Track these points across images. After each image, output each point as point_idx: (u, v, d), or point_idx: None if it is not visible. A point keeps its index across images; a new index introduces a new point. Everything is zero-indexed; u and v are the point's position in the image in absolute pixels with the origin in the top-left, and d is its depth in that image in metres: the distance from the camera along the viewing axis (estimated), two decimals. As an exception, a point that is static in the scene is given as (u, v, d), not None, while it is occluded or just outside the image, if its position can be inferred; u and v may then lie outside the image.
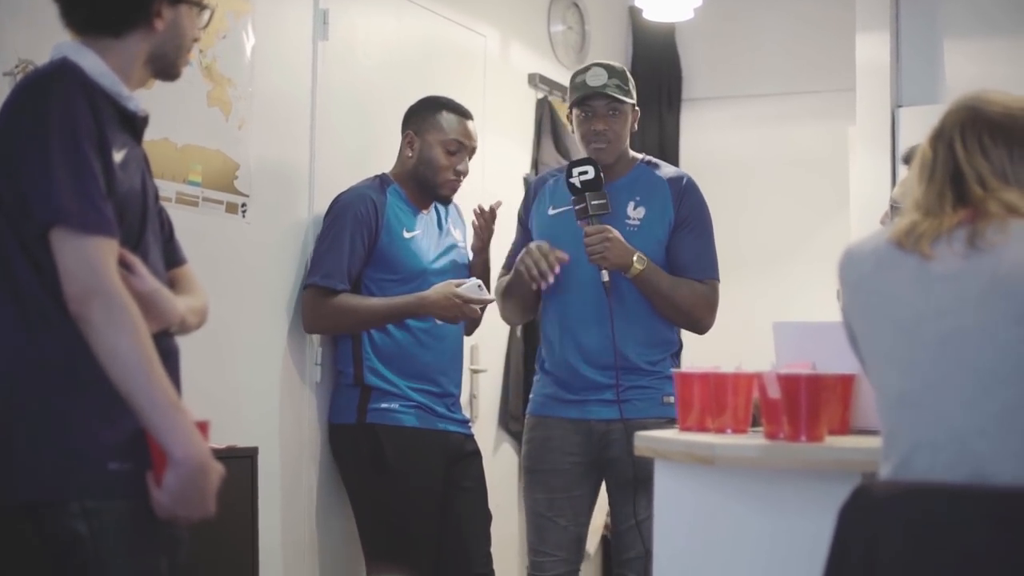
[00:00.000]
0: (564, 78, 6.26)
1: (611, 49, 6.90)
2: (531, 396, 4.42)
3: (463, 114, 4.52)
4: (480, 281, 4.39)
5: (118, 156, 2.56)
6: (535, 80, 6.04)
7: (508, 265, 4.42)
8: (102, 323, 2.43)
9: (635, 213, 4.25)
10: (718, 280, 4.32)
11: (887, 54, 5.90)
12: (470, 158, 4.52)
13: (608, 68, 4.28)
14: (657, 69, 7.07)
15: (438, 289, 4.35)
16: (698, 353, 6.64)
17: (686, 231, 4.28)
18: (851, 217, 5.82)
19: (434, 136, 4.45)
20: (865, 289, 2.50)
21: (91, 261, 2.44)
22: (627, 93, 4.28)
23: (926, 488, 2.27)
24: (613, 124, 4.25)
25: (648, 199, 4.28)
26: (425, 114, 4.49)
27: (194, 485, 2.49)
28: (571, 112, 4.35)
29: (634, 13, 6.94)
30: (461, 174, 4.49)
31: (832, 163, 6.33)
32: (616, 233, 4.10)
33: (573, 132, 4.38)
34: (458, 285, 4.34)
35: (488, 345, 5.18)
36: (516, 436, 5.74)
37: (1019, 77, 5.57)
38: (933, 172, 2.50)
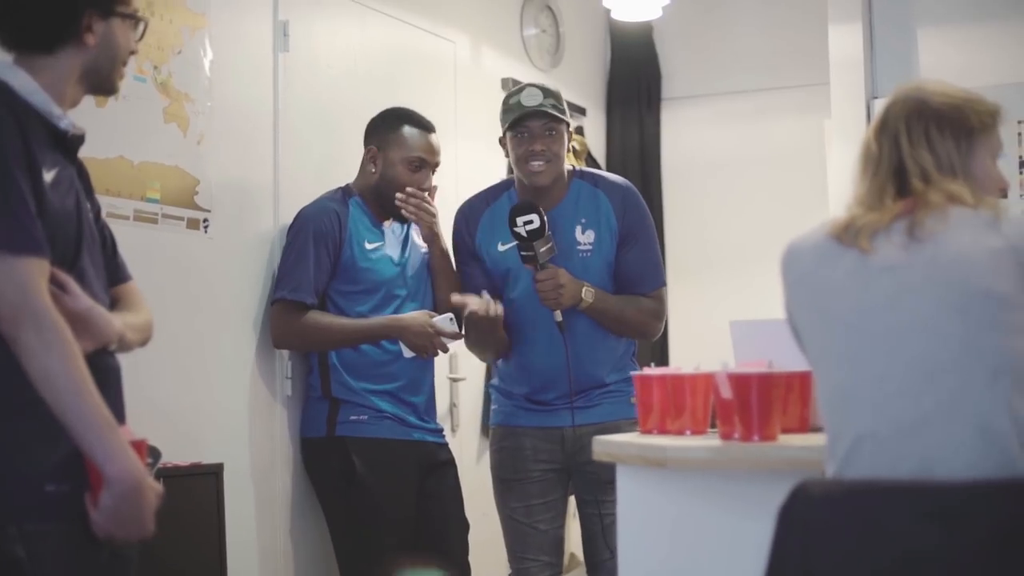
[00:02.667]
0: (539, 81, 6.24)
1: (588, 51, 6.88)
2: (493, 408, 4.41)
3: (426, 127, 4.46)
4: (452, 316, 4.35)
5: (48, 176, 2.53)
6: (508, 85, 6.00)
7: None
8: (33, 344, 2.42)
9: (584, 237, 4.20)
10: (664, 285, 4.31)
11: (860, 46, 5.87)
12: (433, 173, 4.46)
13: (543, 89, 4.22)
14: (636, 70, 7.06)
15: (415, 317, 4.33)
16: (685, 352, 6.68)
17: (631, 245, 4.23)
18: (829, 211, 5.78)
19: (396, 153, 4.40)
20: (807, 284, 2.48)
21: (20, 282, 2.42)
22: (563, 112, 4.21)
23: (861, 485, 2.25)
24: (551, 144, 4.17)
25: (593, 219, 4.22)
26: (387, 129, 4.44)
27: (130, 505, 2.47)
28: (504, 136, 4.26)
29: (609, 14, 6.91)
30: (425, 192, 4.41)
31: (809, 157, 6.31)
32: (566, 276, 4.06)
33: (507, 156, 4.29)
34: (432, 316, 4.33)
35: (467, 353, 5.13)
36: (499, 443, 5.71)
37: (992, 66, 5.55)
38: (878, 167, 2.49)
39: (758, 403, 2.76)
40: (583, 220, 4.21)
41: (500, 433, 4.34)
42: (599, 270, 4.16)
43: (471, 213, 4.35)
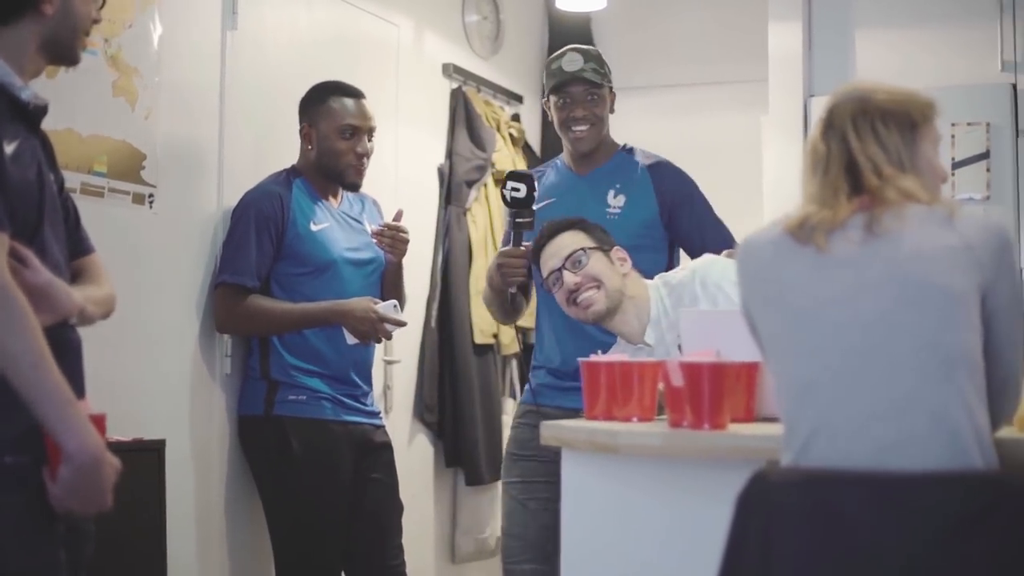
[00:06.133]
0: (479, 68, 6.29)
1: (526, 40, 6.90)
2: (526, 387, 4.39)
3: (354, 95, 4.48)
4: (396, 302, 4.38)
5: (9, 148, 2.51)
6: (449, 70, 6.02)
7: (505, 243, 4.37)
8: None
9: (615, 201, 4.23)
10: (735, 244, 4.12)
11: (799, 44, 5.93)
12: (370, 139, 4.47)
13: (584, 52, 4.27)
14: (573, 60, 7.08)
15: (358, 302, 4.34)
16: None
17: (682, 216, 4.25)
18: (764, 206, 5.84)
19: (328, 124, 4.42)
20: (764, 278, 2.52)
21: None
22: (604, 76, 4.27)
23: (821, 474, 2.29)
24: (593, 108, 4.24)
25: (628, 187, 4.26)
26: (316, 103, 4.46)
27: (88, 478, 2.47)
28: (547, 99, 4.33)
29: (549, 3, 6.94)
30: (363, 156, 4.44)
31: (746, 153, 6.36)
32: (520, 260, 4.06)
33: (551, 120, 4.35)
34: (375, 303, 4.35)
35: (402, 335, 5.15)
36: (431, 426, 5.74)
37: (928, 69, 5.62)
38: (828, 165, 2.52)
39: (709, 392, 2.79)
40: (617, 185, 4.25)
41: (522, 411, 4.33)
42: (629, 233, 4.07)
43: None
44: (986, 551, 2.18)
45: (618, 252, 3.81)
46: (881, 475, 2.25)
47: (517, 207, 4.04)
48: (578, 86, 4.22)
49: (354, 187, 4.50)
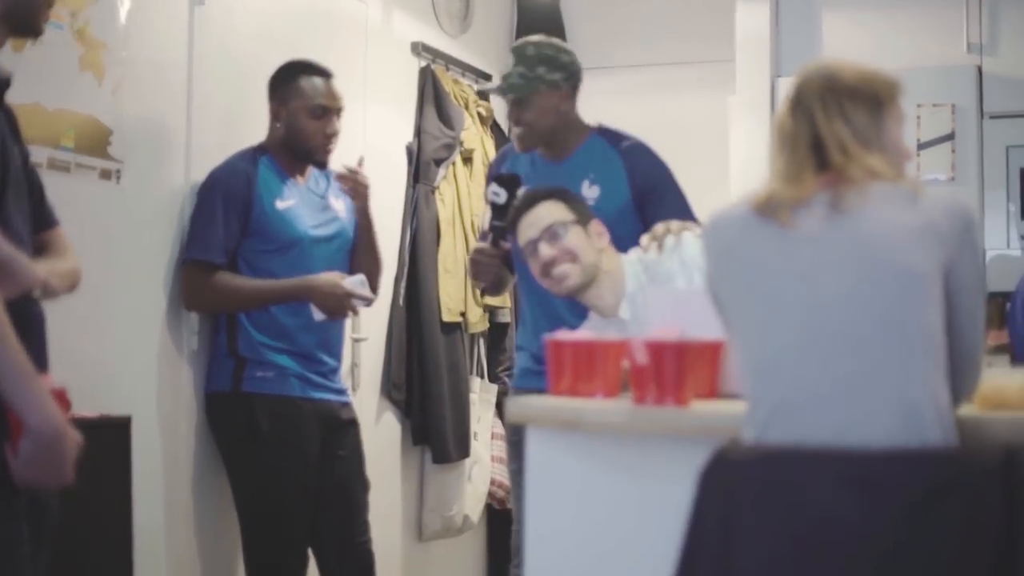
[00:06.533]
0: (447, 47, 6.28)
1: (495, 19, 6.89)
2: (513, 371, 4.41)
3: (323, 74, 4.48)
4: (364, 277, 4.39)
5: None
6: (418, 48, 6.01)
7: (482, 238, 4.38)
8: None
9: (590, 192, 4.17)
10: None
11: (767, 24, 5.96)
12: (338, 118, 4.48)
13: (519, 54, 4.22)
14: (541, 38, 7.07)
15: (326, 278, 4.35)
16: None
17: (652, 203, 4.18)
18: (730, 186, 5.87)
19: (297, 103, 4.42)
20: (729, 255, 2.53)
21: None
22: (535, 79, 4.17)
23: (782, 451, 2.31)
24: (522, 115, 4.18)
25: (601, 175, 4.20)
26: (286, 82, 4.46)
27: (50, 452, 2.46)
28: None
29: (518, -18, 6.94)
30: (331, 136, 4.45)
31: (713, 133, 6.37)
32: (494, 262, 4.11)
33: None
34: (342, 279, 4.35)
35: (369, 313, 5.16)
36: (398, 404, 5.75)
37: (894, 50, 5.66)
38: (795, 142, 2.53)
39: (673, 369, 2.80)
40: (591, 175, 4.20)
41: (512, 394, 4.31)
42: (605, 223, 3.93)
43: (497, 161, 4.45)
44: (945, 528, 2.20)
45: (596, 226, 3.80)
46: (842, 452, 2.27)
47: (495, 211, 4.05)
48: (506, 94, 4.21)
49: (322, 165, 4.50)
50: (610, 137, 4.29)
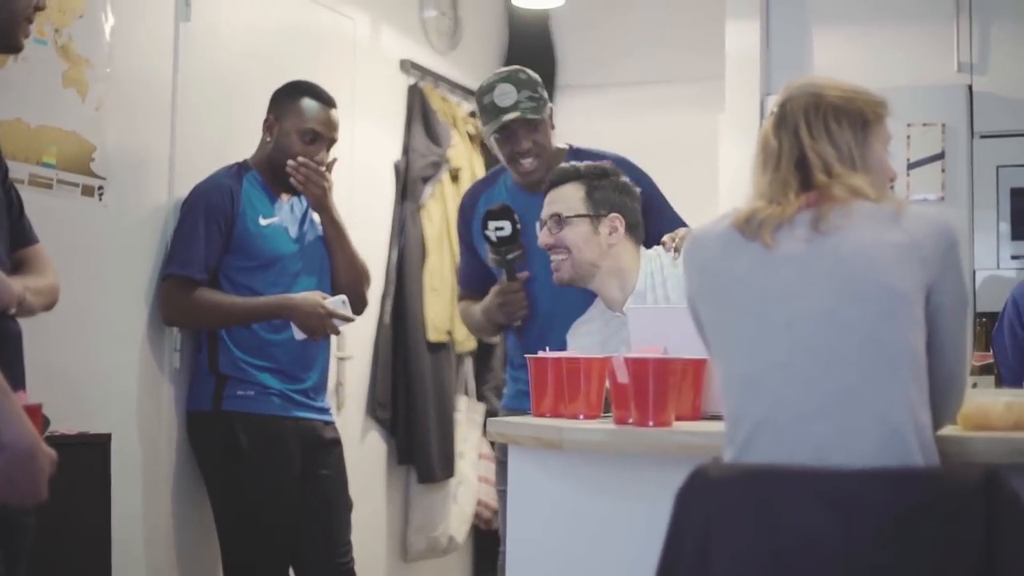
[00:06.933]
0: (436, 64, 6.26)
1: (485, 36, 6.88)
2: (505, 392, 4.36)
3: (326, 102, 4.43)
4: (346, 297, 4.33)
5: None
6: (407, 66, 6.00)
7: (465, 285, 4.35)
8: None
9: None
10: None
11: (757, 42, 5.94)
12: (328, 149, 4.42)
13: (514, 80, 4.08)
14: (532, 56, 7.03)
15: (306, 296, 4.30)
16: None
17: (647, 213, 4.01)
18: (719, 204, 5.84)
19: (292, 123, 4.37)
20: (710, 273, 2.51)
21: None
22: (540, 100, 4.07)
23: (761, 470, 2.28)
24: (535, 138, 4.06)
25: None
26: (286, 98, 4.42)
27: (23, 469, 2.43)
28: (487, 135, 4.13)
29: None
30: (319, 165, 4.36)
31: (702, 151, 6.35)
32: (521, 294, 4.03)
33: (493, 152, 4.19)
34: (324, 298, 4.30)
35: (355, 332, 5.13)
36: (383, 423, 5.72)
37: (885, 68, 5.64)
38: (779, 161, 2.52)
39: (654, 388, 2.78)
40: None
41: (503, 415, 4.16)
42: None
43: (469, 203, 4.29)
44: (925, 548, 2.17)
45: (612, 221, 3.77)
46: (821, 471, 2.25)
47: (505, 244, 4.00)
48: (516, 122, 4.03)
49: (295, 193, 4.43)
50: (586, 157, 4.08)
